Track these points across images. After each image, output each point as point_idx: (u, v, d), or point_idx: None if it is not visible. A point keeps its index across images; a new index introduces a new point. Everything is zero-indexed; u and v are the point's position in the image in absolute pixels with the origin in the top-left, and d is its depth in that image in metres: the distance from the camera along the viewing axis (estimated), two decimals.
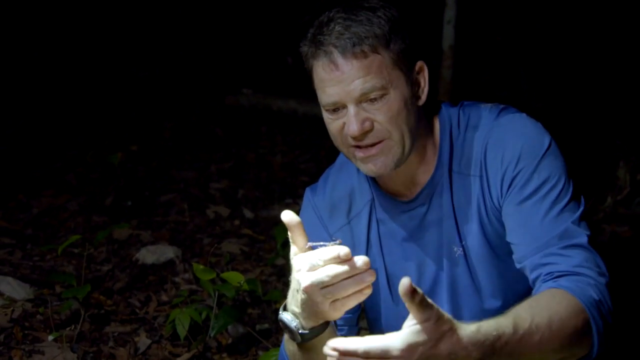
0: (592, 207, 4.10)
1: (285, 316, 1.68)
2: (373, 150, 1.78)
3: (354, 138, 1.76)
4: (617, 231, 3.94)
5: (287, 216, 1.56)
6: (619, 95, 5.04)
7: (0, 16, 6.18)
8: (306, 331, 1.66)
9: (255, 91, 5.93)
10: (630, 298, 3.06)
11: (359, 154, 1.79)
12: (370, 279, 1.50)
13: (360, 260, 1.48)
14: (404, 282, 1.30)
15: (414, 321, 1.35)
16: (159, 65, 6.50)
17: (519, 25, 5.32)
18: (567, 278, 1.63)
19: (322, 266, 1.50)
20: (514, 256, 1.77)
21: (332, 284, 1.50)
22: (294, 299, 1.63)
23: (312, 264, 1.51)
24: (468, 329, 1.38)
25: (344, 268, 1.49)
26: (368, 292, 1.52)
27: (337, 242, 1.52)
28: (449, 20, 4.41)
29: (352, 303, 1.53)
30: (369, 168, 1.81)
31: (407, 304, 1.33)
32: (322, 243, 1.54)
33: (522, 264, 1.75)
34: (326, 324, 1.67)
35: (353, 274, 1.49)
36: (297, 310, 1.63)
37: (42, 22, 6.41)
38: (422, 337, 1.34)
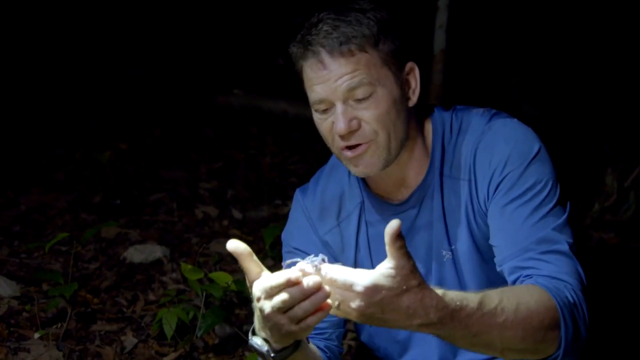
0: (579, 214, 4.11)
1: (256, 342, 1.64)
2: (360, 150, 1.79)
3: (342, 137, 1.77)
4: (604, 238, 3.96)
5: (233, 245, 1.50)
6: (607, 102, 5.06)
7: None
8: (278, 354, 1.64)
9: (246, 92, 5.92)
10: (615, 304, 3.07)
11: (348, 154, 1.80)
12: (323, 297, 1.43)
13: (311, 281, 1.41)
14: (393, 224, 1.34)
15: (389, 265, 1.37)
16: (149, 64, 6.49)
17: (510, 31, 5.34)
18: (545, 279, 1.64)
19: (277, 292, 1.44)
20: (495, 259, 1.78)
21: (291, 308, 1.44)
22: (260, 325, 1.59)
23: (267, 291, 1.46)
24: (435, 292, 1.42)
25: (296, 292, 1.42)
26: (328, 309, 1.46)
27: (320, 259, 1.46)
28: (440, 25, 4.42)
29: (316, 321, 1.47)
30: (357, 169, 1.82)
31: (388, 246, 1.36)
32: (300, 260, 1.48)
33: (501, 267, 1.76)
34: (297, 342, 1.66)
35: (307, 296, 1.43)
36: (266, 335, 1.60)
37: (29, 18, 6.38)
38: (389, 283, 1.37)
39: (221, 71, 6.40)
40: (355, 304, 1.38)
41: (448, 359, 1.97)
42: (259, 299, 1.49)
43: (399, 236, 1.34)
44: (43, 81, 6.00)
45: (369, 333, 2.06)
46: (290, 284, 1.42)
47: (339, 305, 1.41)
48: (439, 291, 1.43)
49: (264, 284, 1.47)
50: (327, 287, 1.42)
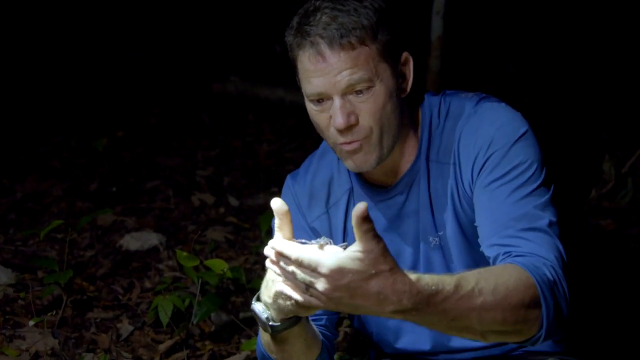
0: (577, 201, 4.11)
1: (257, 307, 1.66)
2: (355, 145, 1.77)
3: (339, 131, 1.75)
4: (602, 224, 3.96)
5: (277, 204, 1.51)
6: (605, 89, 5.05)
7: None
8: (277, 323, 1.65)
9: (242, 79, 5.90)
10: (613, 290, 3.07)
11: (346, 147, 1.79)
12: None
13: None
14: (360, 206, 1.29)
15: (357, 248, 1.32)
16: (146, 50, 6.46)
17: (508, 17, 5.32)
18: (523, 257, 1.61)
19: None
20: (478, 238, 1.76)
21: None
22: (267, 289, 1.60)
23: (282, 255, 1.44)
24: (407, 277, 1.36)
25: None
26: None
27: (324, 241, 1.44)
28: (437, 11, 4.40)
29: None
30: (350, 164, 1.82)
31: (355, 229, 1.31)
32: (307, 241, 1.47)
33: (482, 245, 1.74)
34: (297, 318, 1.66)
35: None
36: (269, 301, 1.61)
37: (26, 5, 6.35)
38: (356, 266, 1.32)
39: (218, 58, 6.38)
40: (321, 286, 1.33)
41: (441, 345, 1.96)
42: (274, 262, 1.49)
43: (365, 219, 1.29)
44: (39, 68, 5.98)
45: (360, 319, 2.06)
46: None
47: (308, 288, 1.36)
48: (413, 276, 1.37)
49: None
50: (293, 268, 1.38)
